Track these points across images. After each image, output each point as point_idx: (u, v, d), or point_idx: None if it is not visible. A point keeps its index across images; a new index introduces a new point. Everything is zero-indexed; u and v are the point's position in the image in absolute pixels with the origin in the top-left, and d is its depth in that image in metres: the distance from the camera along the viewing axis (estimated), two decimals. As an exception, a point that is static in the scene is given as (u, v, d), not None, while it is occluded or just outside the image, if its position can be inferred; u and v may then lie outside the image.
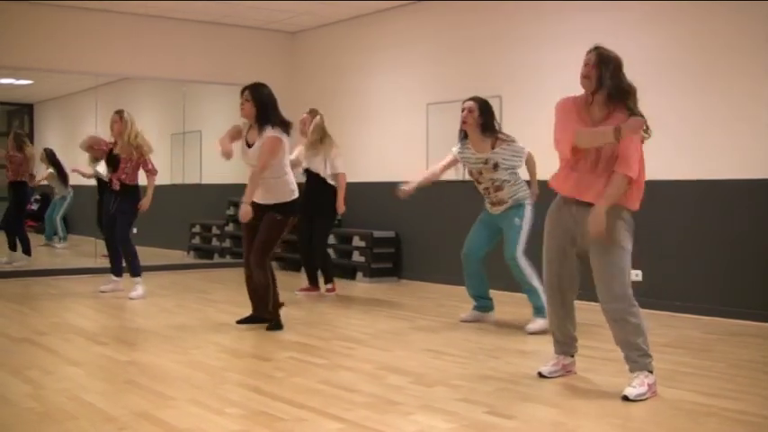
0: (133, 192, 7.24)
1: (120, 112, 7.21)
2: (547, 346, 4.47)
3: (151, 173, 7.28)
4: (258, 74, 10.18)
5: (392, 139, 9.06)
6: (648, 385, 3.79)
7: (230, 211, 10.06)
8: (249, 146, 5.58)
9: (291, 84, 10.46)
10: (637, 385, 3.76)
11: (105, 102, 9.76)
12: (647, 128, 3.87)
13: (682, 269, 6.40)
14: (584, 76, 3.94)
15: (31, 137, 10.47)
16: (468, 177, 5.90)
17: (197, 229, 10.90)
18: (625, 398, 3.72)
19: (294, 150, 7.54)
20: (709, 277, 6.25)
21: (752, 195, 6.02)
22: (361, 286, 8.13)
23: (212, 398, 3.76)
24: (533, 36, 7.52)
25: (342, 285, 8.01)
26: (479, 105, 5.64)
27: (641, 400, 3.71)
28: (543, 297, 5.37)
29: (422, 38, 8.72)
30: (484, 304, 5.98)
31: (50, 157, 10.35)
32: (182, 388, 3.93)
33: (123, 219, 7.24)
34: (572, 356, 4.28)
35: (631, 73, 6.66)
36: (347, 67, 9.68)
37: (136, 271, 7.24)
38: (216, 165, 10.58)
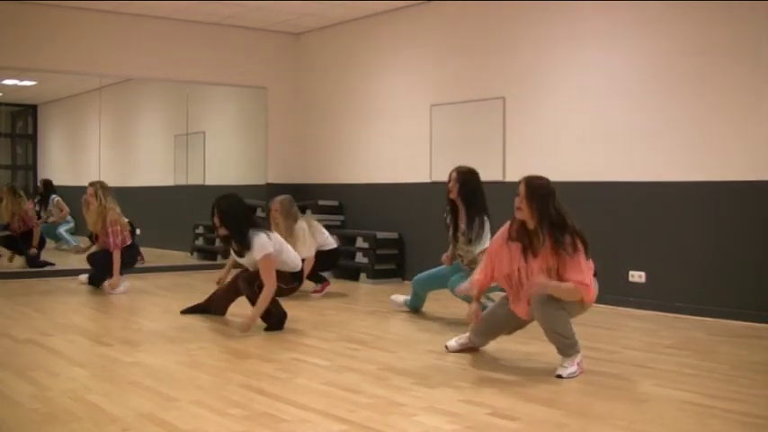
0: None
1: (92, 185, 7.40)
2: (550, 347, 4.45)
3: (110, 246, 7.31)
4: (262, 75, 10.27)
5: (395, 141, 9.07)
6: (577, 363, 4.23)
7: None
8: (240, 255, 5.59)
9: (295, 85, 10.48)
10: (567, 365, 4.22)
11: (109, 103, 9.78)
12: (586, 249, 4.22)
13: (686, 270, 6.39)
14: (517, 208, 4.26)
15: (34, 138, 10.47)
16: None
17: (200, 230, 10.91)
18: (558, 376, 4.17)
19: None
20: (713, 279, 6.24)
21: (759, 197, 6.00)
22: (364, 287, 8.12)
23: (216, 399, 3.77)
24: (537, 38, 7.51)
25: (345, 287, 8.01)
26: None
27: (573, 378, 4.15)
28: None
29: (426, 39, 8.72)
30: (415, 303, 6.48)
31: (47, 189, 9.92)
32: (185, 389, 3.93)
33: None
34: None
35: (638, 73, 6.73)
36: (351, 69, 9.69)
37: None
38: (219, 166, 10.68)
